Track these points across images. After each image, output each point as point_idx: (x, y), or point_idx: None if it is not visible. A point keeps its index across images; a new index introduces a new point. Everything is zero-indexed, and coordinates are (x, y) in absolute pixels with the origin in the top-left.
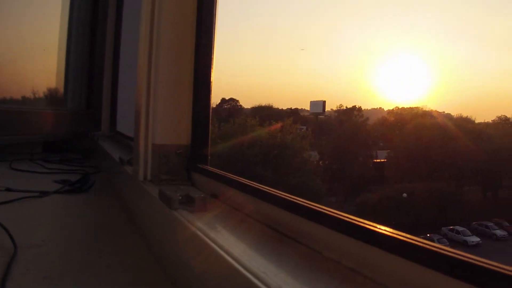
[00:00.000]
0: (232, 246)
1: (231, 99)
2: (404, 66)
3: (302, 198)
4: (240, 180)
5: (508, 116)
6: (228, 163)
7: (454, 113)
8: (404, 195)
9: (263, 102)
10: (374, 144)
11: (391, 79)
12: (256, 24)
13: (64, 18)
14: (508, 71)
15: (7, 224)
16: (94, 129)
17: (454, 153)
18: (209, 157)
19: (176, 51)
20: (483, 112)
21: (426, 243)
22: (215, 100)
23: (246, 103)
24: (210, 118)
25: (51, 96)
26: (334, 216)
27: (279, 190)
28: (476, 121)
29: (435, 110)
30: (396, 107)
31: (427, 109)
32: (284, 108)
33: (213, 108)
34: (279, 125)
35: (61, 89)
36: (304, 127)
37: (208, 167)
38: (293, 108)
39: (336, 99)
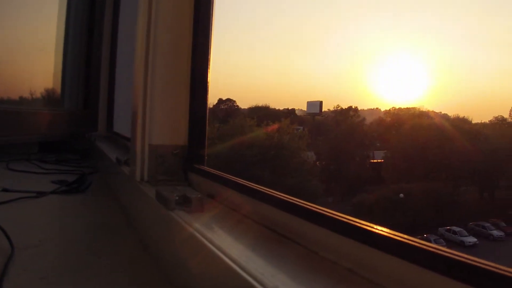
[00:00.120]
0: (229, 246)
1: (228, 100)
2: (401, 66)
3: (299, 199)
4: (237, 181)
5: (505, 116)
6: (225, 163)
7: (451, 113)
8: (401, 195)
9: (260, 103)
10: (371, 144)
11: (388, 79)
12: (253, 24)
13: (61, 18)
14: (506, 71)
15: (4, 225)
16: (91, 129)
17: (451, 153)
18: (206, 158)
19: (173, 51)
20: (480, 112)
21: (423, 243)
22: (212, 100)
23: (243, 103)
24: (207, 119)
25: (48, 97)
26: (331, 217)
27: (276, 191)
28: (473, 122)
29: (432, 111)
30: (393, 107)
31: (424, 110)
32: (281, 108)
33: (210, 109)
34: (276, 126)
35: (58, 89)
36: (301, 128)
37: (205, 167)
38: (290, 108)
39: (333, 99)
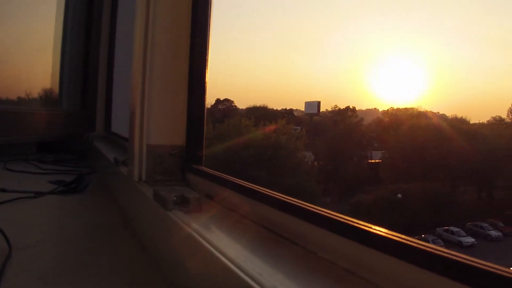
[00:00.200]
0: (227, 247)
1: (226, 100)
2: (399, 66)
3: (297, 199)
4: (234, 181)
5: (503, 116)
6: (222, 163)
7: (449, 113)
8: (399, 195)
9: (258, 103)
10: (368, 144)
11: (386, 79)
12: (251, 25)
13: (59, 19)
14: (503, 71)
15: (1, 225)
16: (89, 129)
17: (449, 153)
18: (203, 158)
19: (171, 51)
20: (478, 112)
21: (421, 243)
22: (210, 100)
23: (241, 103)
24: (205, 119)
25: (46, 97)
26: (329, 217)
27: (274, 191)
28: (471, 122)
29: (430, 111)
30: (391, 107)
31: (422, 110)
32: (279, 108)
33: (208, 109)
34: (273, 127)
35: (56, 89)
36: (299, 128)
37: (203, 167)
38: (288, 108)
39: (331, 99)
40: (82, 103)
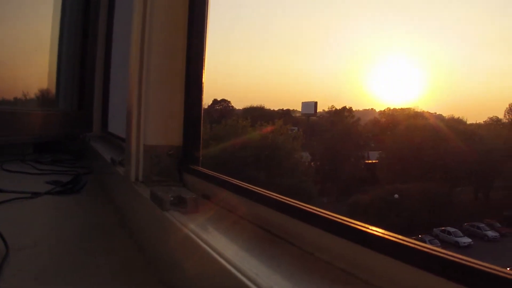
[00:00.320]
0: (224, 247)
1: (223, 100)
2: (396, 67)
3: (294, 199)
4: (231, 181)
5: (499, 117)
6: (219, 164)
7: (446, 114)
8: (396, 196)
9: (255, 103)
10: (365, 145)
11: (383, 80)
12: (248, 25)
13: (56, 19)
14: (501, 71)
15: None
16: (86, 130)
17: (445, 154)
18: (200, 158)
19: (168, 51)
20: (475, 113)
21: (418, 244)
22: (206, 101)
23: (238, 104)
24: (202, 119)
25: (43, 97)
26: (326, 217)
27: (271, 191)
28: (468, 122)
29: (427, 111)
30: (387, 108)
31: (418, 110)
32: (276, 109)
33: (205, 109)
34: (270, 127)
35: (53, 90)
36: (296, 128)
37: (200, 168)
38: (284, 109)
39: (328, 100)
40: (79, 104)
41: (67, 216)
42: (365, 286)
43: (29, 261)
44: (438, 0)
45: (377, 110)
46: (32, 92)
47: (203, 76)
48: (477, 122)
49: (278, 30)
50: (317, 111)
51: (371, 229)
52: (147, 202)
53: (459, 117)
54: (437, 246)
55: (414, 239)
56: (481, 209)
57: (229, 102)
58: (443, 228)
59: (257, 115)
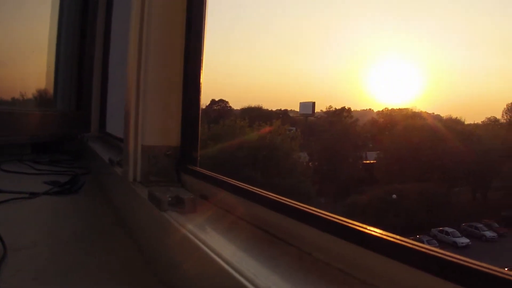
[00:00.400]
0: (222, 248)
1: (221, 100)
2: (394, 67)
3: (292, 199)
4: (229, 182)
5: (497, 117)
6: (217, 164)
7: (444, 114)
8: (394, 196)
9: (253, 103)
10: (363, 145)
11: (381, 80)
12: (245, 25)
13: (54, 19)
14: (498, 72)
15: None
16: (84, 130)
17: (443, 154)
18: (198, 158)
19: (166, 52)
20: (473, 113)
21: (416, 244)
22: (204, 101)
23: (236, 104)
24: (200, 119)
25: (41, 98)
26: (324, 218)
27: (269, 192)
28: (466, 122)
29: (425, 111)
30: (385, 108)
31: (416, 110)
32: (274, 109)
33: (203, 109)
34: (268, 128)
35: (51, 90)
36: (294, 128)
37: (198, 168)
38: (282, 109)
39: (326, 100)
40: (77, 104)
41: (65, 216)
42: (363, 286)
43: (27, 261)
44: (436, 1)
45: (375, 110)
46: (30, 93)
47: (201, 76)
48: (475, 122)
49: (276, 31)
50: (315, 111)
51: (369, 230)
52: (145, 202)
53: (457, 117)
54: (435, 246)
55: (412, 239)
56: (479, 209)
57: (227, 102)
58: (441, 228)
59: (255, 115)
